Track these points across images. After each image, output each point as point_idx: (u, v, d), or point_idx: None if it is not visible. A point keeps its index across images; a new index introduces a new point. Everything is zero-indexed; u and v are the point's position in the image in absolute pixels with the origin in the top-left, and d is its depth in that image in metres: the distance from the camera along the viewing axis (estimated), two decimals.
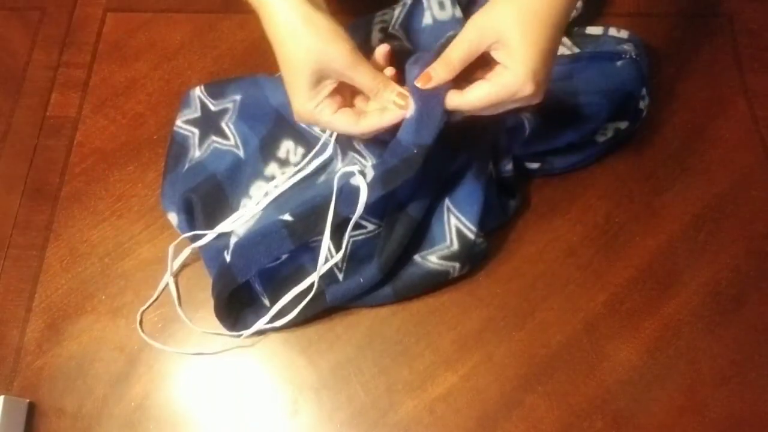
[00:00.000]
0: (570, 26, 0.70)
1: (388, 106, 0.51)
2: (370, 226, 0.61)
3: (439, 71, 0.49)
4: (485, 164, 0.60)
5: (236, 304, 0.61)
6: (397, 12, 0.69)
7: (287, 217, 0.58)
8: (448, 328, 0.62)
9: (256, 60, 0.74)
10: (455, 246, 0.60)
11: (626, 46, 0.67)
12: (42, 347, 0.63)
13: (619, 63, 0.66)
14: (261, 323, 0.60)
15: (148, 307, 0.63)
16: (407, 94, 0.51)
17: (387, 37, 0.68)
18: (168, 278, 0.63)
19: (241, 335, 0.60)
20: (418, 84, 0.49)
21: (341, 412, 0.59)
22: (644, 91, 0.67)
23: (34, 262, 0.66)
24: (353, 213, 0.56)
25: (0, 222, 0.68)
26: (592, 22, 0.72)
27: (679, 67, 0.72)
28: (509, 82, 0.47)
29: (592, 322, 0.61)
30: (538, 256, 0.64)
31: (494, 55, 0.48)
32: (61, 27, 0.78)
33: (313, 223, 0.58)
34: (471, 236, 0.59)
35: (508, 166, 0.63)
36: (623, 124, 0.66)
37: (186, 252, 0.64)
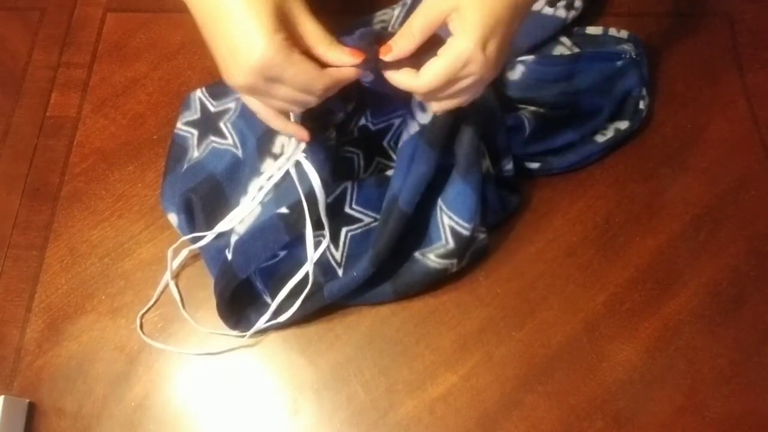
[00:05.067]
0: (570, 26, 0.70)
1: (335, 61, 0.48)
2: (367, 219, 0.61)
3: (400, 41, 0.47)
4: (473, 163, 0.59)
5: (238, 303, 0.61)
6: (396, 12, 0.70)
7: (283, 209, 0.58)
8: (448, 328, 0.62)
9: None
10: (451, 244, 0.60)
11: (626, 46, 0.68)
12: (42, 347, 0.63)
13: (619, 63, 0.66)
14: (263, 321, 0.60)
15: (147, 310, 0.63)
16: (361, 52, 0.48)
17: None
18: (168, 280, 0.63)
19: (245, 335, 0.60)
20: (381, 56, 0.48)
21: (341, 412, 0.59)
22: (644, 91, 0.67)
23: (34, 262, 0.66)
24: (311, 191, 0.56)
25: (0, 222, 0.68)
26: (592, 22, 0.72)
27: (679, 67, 0.72)
28: (460, 50, 0.45)
29: (592, 322, 0.61)
30: (538, 256, 0.64)
31: (450, 26, 0.46)
32: (61, 27, 0.78)
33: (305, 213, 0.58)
34: (466, 233, 0.59)
35: (509, 166, 0.63)
36: (623, 124, 0.66)
37: (184, 253, 0.64)
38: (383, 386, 0.60)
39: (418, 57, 0.47)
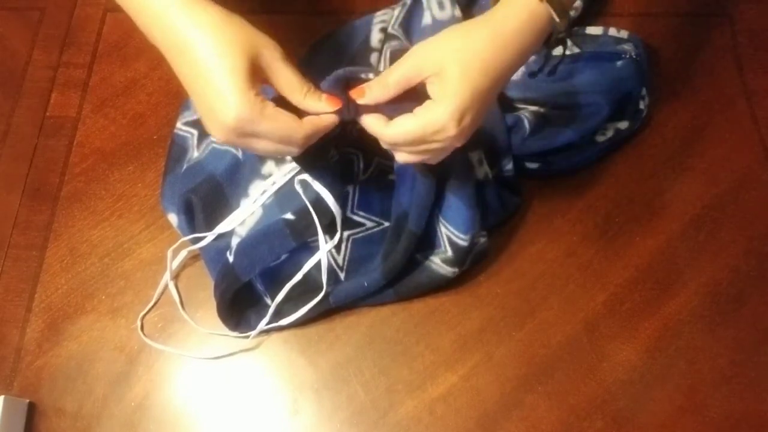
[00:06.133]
0: (570, 26, 0.70)
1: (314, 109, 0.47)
2: (369, 224, 0.61)
3: (374, 89, 0.47)
4: (464, 177, 0.59)
5: (239, 304, 0.61)
6: (396, 12, 0.70)
7: (289, 215, 0.59)
8: (448, 328, 0.62)
9: None
10: (449, 253, 0.60)
11: (626, 46, 0.67)
12: (42, 347, 0.63)
13: (619, 63, 0.66)
14: (263, 323, 0.60)
15: (148, 311, 0.63)
16: (337, 99, 0.47)
17: (387, 37, 0.68)
18: (168, 281, 0.63)
19: (248, 336, 0.60)
20: (353, 95, 0.47)
21: (341, 412, 0.59)
22: (644, 91, 0.67)
23: (34, 262, 0.66)
24: (317, 198, 0.57)
25: (0, 222, 0.68)
26: (592, 22, 0.72)
27: (679, 67, 0.72)
28: (435, 118, 0.45)
29: (592, 322, 0.61)
30: (538, 256, 0.64)
31: (429, 88, 0.46)
32: (61, 27, 0.78)
33: (313, 221, 0.58)
34: (463, 243, 0.60)
35: (509, 166, 0.63)
36: (623, 124, 0.66)
37: (184, 253, 0.64)
38: (383, 386, 0.60)
39: (394, 105, 0.47)
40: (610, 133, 0.66)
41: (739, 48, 0.73)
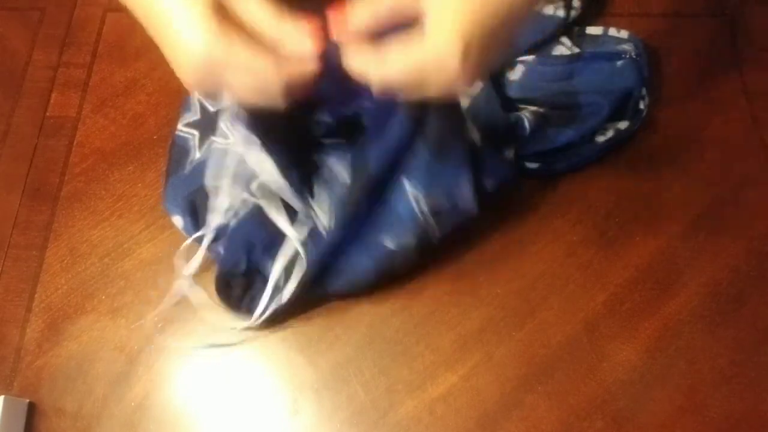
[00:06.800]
0: (570, 26, 0.70)
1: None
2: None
3: (361, 14, 0.41)
4: (456, 130, 0.57)
5: (241, 291, 0.61)
6: None
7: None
8: (448, 328, 0.62)
9: None
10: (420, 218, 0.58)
11: (626, 46, 0.68)
12: (42, 347, 0.63)
13: (619, 63, 0.66)
14: (263, 303, 0.59)
15: (158, 311, 0.63)
16: (319, 25, 0.41)
17: None
18: (182, 284, 0.63)
19: (252, 320, 0.60)
20: (331, 18, 0.41)
21: (341, 412, 0.59)
22: (644, 90, 0.67)
23: (34, 262, 0.66)
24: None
25: (0, 222, 0.68)
26: (592, 23, 0.72)
27: (679, 67, 0.72)
28: (437, 50, 0.39)
29: (592, 322, 0.61)
30: (538, 256, 0.64)
31: (426, 18, 0.39)
32: (61, 27, 0.78)
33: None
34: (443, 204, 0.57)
35: (509, 154, 0.62)
36: (623, 124, 0.66)
37: (200, 253, 0.63)
38: (383, 386, 0.60)
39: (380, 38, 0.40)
40: (610, 133, 0.66)
41: (739, 48, 0.73)
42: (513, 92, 0.65)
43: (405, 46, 0.40)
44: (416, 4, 0.40)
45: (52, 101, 0.74)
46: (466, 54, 0.39)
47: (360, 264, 0.60)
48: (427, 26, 0.39)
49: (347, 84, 0.42)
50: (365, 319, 0.62)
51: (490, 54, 0.41)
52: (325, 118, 0.59)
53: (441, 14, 0.39)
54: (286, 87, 0.41)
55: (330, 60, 0.42)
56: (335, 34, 0.41)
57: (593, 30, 0.71)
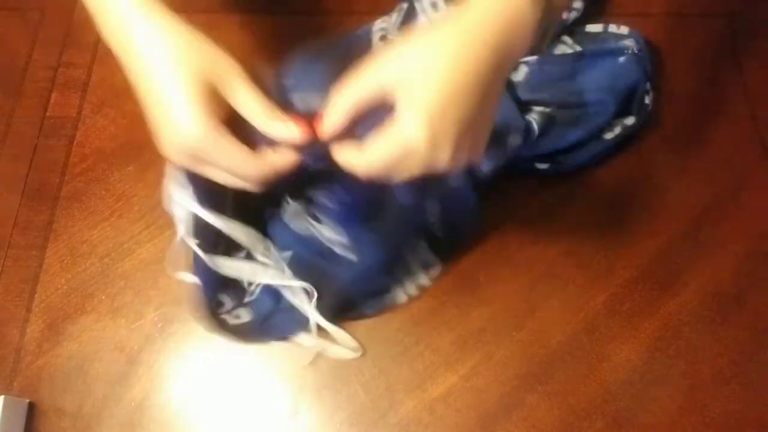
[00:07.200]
0: (570, 26, 0.70)
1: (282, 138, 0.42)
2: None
3: (331, 116, 0.41)
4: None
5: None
6: (394, 18, 0.69)
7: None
8: (448, 328, 0.62)
9: (255, 60, 0.74)
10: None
11: (627, 42, 0.68)
12: (42, 347, 0.63)
13: (621, 59, 0.66)
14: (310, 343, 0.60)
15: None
16: (306, 124, 0.42)
17: (388, 44, 0.68)
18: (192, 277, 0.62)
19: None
20: (318, 132, 0.42)
21: (341, 412, 0.59)
22: (648, 85, 0.67)
23: (34, 262, 0.66)
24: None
25: (0, 222, 0.68)
26: (592, 23, 0.72)
27: (679, 67, 0.72)
28: (405, 133, 0.38)
29: (592, 322, 0.61)
30: (539, 256, 0.64)
31: (396, 104, 0.39)
32: (61, 27, 0.78)
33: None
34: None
35: (515, 141, 0.62)
36: (630, 120, 0.66)
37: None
38: (383, 386, 0.60)
39: (362, 122, 0.42)
40: (617, 130, 0.66)
41: (739, 48, 0.73)
42: (519, 94, 0.65)
43: (380, 135, 0.40)
44: (379, 91, 0.40)
45: (52, 101, 0.74)
46: (434, 136, 0.38)
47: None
48: (397, 113, 0.39)
49: (336, 173, 0.43)
50: (365, 319, 0.62)
51: (475, 130, 0.40)
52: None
53: (410, 99, 0.38)
54: (264, 180, 0.42)
55: (317, 154, 0.43)
56: (321, 133, 0.42)
57: (593, 27, 0.71)
